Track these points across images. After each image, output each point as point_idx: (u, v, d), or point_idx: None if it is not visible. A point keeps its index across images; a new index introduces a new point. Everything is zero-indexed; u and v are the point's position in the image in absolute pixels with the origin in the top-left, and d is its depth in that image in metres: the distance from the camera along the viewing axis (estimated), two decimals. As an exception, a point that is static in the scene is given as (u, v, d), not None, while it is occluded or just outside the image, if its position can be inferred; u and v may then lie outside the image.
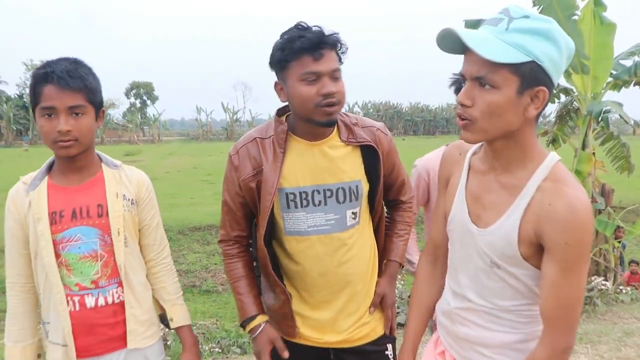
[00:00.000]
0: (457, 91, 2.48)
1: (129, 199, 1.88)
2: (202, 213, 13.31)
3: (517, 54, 1.22)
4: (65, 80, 1.68)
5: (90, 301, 1.79)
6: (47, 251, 1.75)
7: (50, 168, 1.87)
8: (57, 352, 1.79)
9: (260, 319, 1.96)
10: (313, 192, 1.89)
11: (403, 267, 2.16)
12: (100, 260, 1.81)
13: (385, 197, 2.12)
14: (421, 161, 2.75)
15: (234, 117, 68.75)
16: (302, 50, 1.70)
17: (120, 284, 1.84)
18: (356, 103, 74.35)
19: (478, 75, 1.26)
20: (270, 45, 1.80)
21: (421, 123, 77.97)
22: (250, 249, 2.07)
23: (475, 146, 1.51)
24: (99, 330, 1.80)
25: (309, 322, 1.99)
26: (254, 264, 2.07)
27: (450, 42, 1.30)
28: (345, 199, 1.91)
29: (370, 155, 1.95)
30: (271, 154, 1.87)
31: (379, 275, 2.10)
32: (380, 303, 2.08)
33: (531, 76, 1.24)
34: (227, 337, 4.97)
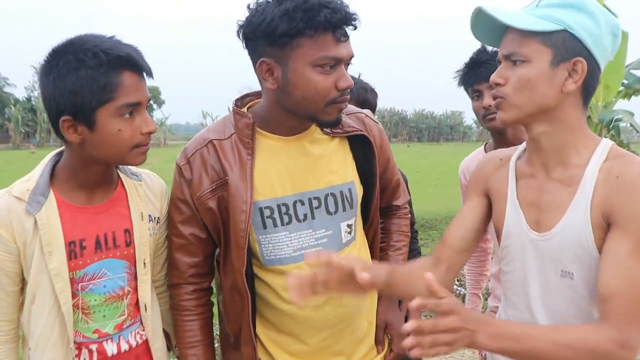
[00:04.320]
0: (466, 87, 2.24)
1: (154, 218, 1.49)
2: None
3: (546, 22, 1.15)
4: None
5: (111, 348, 1.42)
6: (64, 296, 1.33)
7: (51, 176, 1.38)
8: None
9: None
10: (295, 203, 1.43)
11: None
12: (127, 297, 1.44)
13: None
14: (462, 163, 2.36)
15: (240, 122, 69.26)
16: (327, 25, 1.27)
17: (141, 322, 1.49)
18: (362, 109, 74.43)
19: (508, 52, 1.19)
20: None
21: (426, 130, 78.26)
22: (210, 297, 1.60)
23: (519, 151, 1.36)
24: None
25: None
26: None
27: (484, 29, 1.24)
28: (338, 209, 1.47)
29: (362, 149, 1.53)
30: (236, 159, 1.41)
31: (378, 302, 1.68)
32: (387, 335, 1.68)
33: (565, 47, 1.15)
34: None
